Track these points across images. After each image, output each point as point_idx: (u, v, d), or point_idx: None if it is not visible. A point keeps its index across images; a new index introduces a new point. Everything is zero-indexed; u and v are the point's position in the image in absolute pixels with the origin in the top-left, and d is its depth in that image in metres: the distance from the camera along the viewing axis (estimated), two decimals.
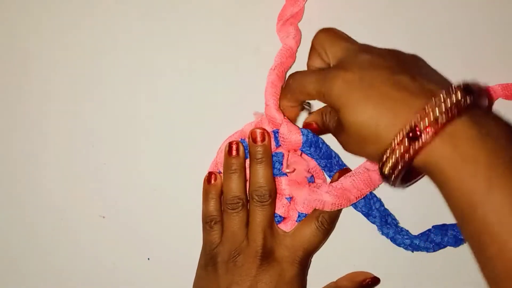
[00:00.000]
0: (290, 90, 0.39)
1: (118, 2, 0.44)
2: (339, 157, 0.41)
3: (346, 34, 0.39)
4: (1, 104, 0.44)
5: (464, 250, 0.42)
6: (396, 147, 0.31)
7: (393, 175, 0.32)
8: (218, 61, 0.43)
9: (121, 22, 0.44)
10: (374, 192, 0.41)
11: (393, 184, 0.33)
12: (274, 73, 0.40)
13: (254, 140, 0.40)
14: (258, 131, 0.40)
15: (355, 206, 0.40)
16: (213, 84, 0.43)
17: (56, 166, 0.44)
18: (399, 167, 0.32)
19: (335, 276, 0.42)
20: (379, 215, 0.40)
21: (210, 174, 0.42)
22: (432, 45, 0.43)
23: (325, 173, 0.42)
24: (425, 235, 0.40)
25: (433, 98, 0.31)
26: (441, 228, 0.40)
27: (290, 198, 0.41)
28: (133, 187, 0.44)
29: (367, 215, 0.40)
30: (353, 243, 0.43)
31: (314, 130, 0.40)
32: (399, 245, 0.40)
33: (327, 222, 0.40)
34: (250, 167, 0.40)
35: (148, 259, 0.44)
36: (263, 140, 0.40)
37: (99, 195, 0.44)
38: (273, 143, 0.40)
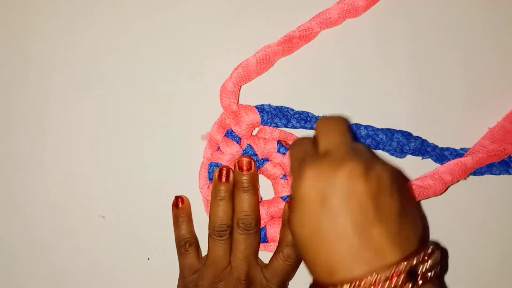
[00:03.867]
0: None
1: (118, 2, 0.44)
2: (299, 119, 0.42)
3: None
4: (1, 104, 0.44)
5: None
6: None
7: None
8: (219, 62, 0.43)
9: (121, 22, 0.44)
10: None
11: None
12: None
13: (241, 169, 0.40)
14: (245, 160, 0.40)
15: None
16: (213, 85, 0.43)
17: (56, 166, 0.44)
18: None
19: None
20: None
21: (176, 198, 0.42)
22: (432, 45, 0.43)
23: None
24: (390, 132, 0.41)
25: (406, 261, 0.29)
26: (407, 135, 0.41)
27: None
28: (133, 187, 0.44)
29: None
30: None
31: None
32: (364, 138, 0.41)
33: (291, 256, 0.40)
34: (235, 195, 0.40)
35: (148, 259, 0.44)
36: (249, 169, 0.40)
37: (99, 195, 0.44)
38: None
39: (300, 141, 0.35)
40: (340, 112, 0.42)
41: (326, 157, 0.31)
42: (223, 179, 0.40)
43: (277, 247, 0.41)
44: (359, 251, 0.29)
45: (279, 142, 0.41)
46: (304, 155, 0.32)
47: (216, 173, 0.40)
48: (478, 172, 0.41)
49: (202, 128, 0.43)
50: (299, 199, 0.31)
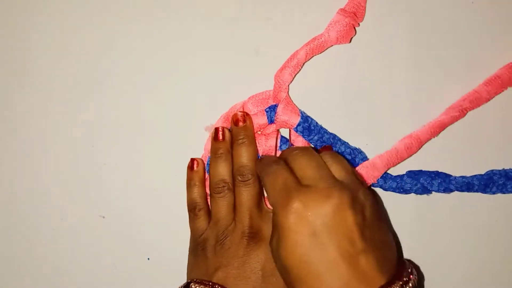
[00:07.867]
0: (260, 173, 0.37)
1: (118, 3, 0.44)
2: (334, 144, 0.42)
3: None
4: (1, 104, 0.44)
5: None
6: None
7: None
8: (218, 62, 0.43)
9: (121, 22, 0.44)
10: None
11: None
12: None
13: (236, 123, 0.40)
14: (239, 114, 0.41)
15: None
16: (213, 85, 0.43)
17: (57, 166, 0.44)
18: None
19: None
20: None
21: (192, 160, 0.42)
22: (432, 45, 0.43)
23: None
24: (398, 177, 0.42)
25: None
26: (415, 173, 0.41)
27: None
28: (133, 187, 0.44)
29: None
30: None
31: None
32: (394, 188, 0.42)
33: None
34: (233, 149, 0.40)
35: (148, 259, 0.44)
36: (244, 121, 0.40)
37: (99, 195, 0.44)
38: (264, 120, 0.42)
39: (275, 169, 0.35)
40: (340, 115, 0.43)
41: (311, 189, 0.32)
42: (220, 138, 0.41)
43: None
44: (349, 280, 0.30)
45: (282, 138, 0.42)
46: (286, 185, 0.33)
47: (212, 133, 0.41)
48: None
49: (202, 129, 0.43)
50: (287, 230, 0.32)
